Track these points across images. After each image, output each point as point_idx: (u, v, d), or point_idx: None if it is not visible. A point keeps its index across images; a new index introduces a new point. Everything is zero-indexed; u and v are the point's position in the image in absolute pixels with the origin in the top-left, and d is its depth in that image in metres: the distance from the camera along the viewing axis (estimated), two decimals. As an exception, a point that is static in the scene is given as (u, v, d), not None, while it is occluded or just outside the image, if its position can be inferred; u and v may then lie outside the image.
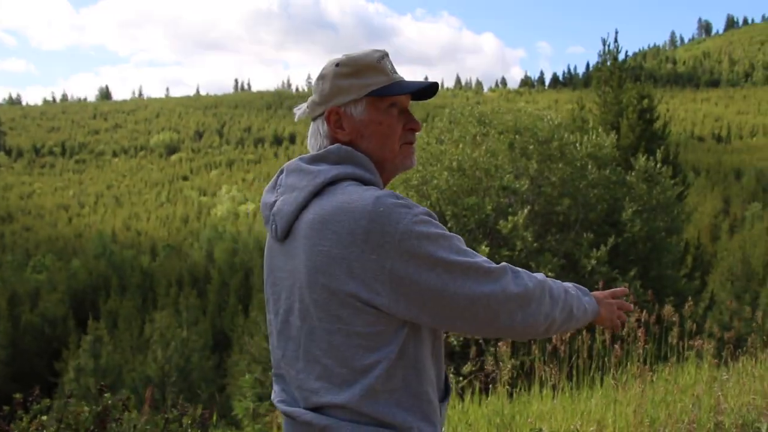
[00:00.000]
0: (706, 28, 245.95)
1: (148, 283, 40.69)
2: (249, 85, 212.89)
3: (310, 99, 1.57)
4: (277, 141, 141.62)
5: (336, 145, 1.50)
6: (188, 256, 54.77)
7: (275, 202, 1.52)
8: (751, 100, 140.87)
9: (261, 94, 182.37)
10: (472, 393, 5.21)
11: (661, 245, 10.27)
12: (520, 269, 1.48)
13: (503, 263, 1.46)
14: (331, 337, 1.40)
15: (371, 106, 1.51)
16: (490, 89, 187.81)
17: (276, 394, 1.56)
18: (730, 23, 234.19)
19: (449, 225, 9.85)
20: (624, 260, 9.80)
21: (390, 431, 1.38)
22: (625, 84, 14.75)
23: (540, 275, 1.52)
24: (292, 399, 1.50)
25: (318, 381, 1.42)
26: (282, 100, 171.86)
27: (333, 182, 1.44)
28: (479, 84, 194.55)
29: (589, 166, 10.38)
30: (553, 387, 5.09)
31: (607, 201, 10.44)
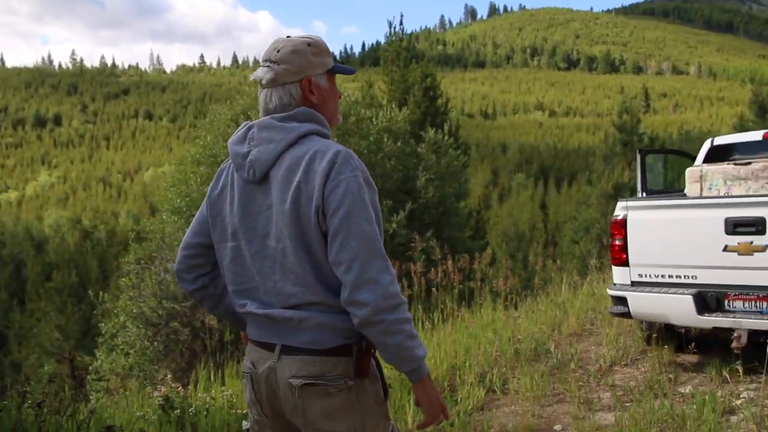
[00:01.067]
0: (472, 13, 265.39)
1: None
2: (2, 60, 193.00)
3: (281, 67, 1.89)
4: (40, 122, 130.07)
5: (301, 107, 1.89)
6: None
7: (249, 152, 1.87)
8: (512, 81, 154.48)
9: (18, 71, 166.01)
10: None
11: (451, 209, 11.46)
12: None
13: None
14: (300, 252, 1.80)
15: (329, 80, 1.96)
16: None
17: (246, 306, 1.93)
18: (493, 10, 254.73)
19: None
20: (420, 223, 10.81)
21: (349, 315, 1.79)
22: (410, 64, 15.94)
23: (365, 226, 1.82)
24: (268, 304, 1.88)
25: (294, 287, 1.83)
26: (43, 77, 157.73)
27: (304, 135, 1.85)
28: (257, 63, 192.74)
29: (385, 139, 11.24)
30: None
31: (401, 171, 11.38)
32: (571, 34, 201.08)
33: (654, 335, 5.50)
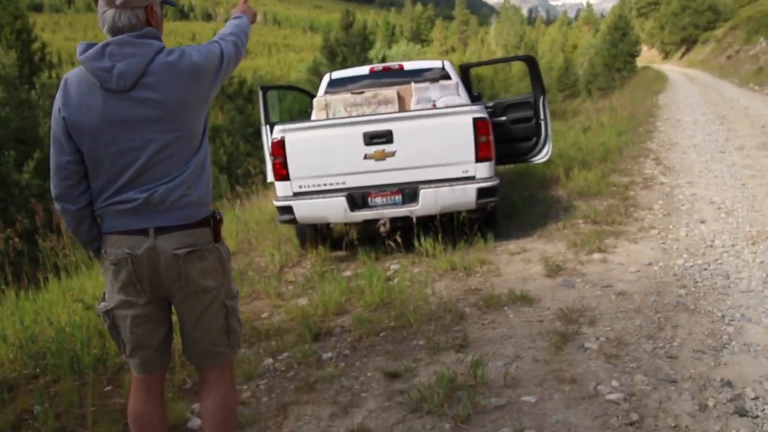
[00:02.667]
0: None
1: None
2: None
3: None
4: None
5: (149, 28, 2.26)
6: None
7: (113, 66, 2.16)
8: (77, 27, 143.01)
9: None
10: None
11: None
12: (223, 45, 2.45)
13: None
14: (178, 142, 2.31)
15: (160, 8, 2.36)
16: None
17: (123, 199, 2.26)
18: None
19: None
20: (46, 173, 10.12)
21: None
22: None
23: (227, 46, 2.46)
24: (146, 191, 2.25)
25: (172, 172, 2.33)
26: None
27: (160, 50, 2.24)
28: None
29: (-3, 85, 10.23)
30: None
31: (20, 119, 10.48)
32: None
33: (308, 240, 6.56)
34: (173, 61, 2.23)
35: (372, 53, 32.39)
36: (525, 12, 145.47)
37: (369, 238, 6.40)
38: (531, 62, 7.49)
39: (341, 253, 6.45)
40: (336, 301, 4.80)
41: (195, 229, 2.31)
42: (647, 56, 58.57)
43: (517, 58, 8.71)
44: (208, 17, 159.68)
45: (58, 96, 2.27)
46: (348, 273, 5.79)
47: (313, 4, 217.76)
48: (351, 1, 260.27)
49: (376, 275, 5.18)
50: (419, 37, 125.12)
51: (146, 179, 2.24)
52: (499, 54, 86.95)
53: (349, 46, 29.79)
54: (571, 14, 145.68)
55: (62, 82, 2.28)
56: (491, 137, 5.87)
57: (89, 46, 2.22)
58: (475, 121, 5.75)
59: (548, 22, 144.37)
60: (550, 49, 78.92)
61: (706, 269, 4.83)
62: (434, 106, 6.44)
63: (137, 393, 2.50)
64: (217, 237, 2.39)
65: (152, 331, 2.41)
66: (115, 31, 2.22)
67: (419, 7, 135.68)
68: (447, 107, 6.13)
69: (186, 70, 2.25)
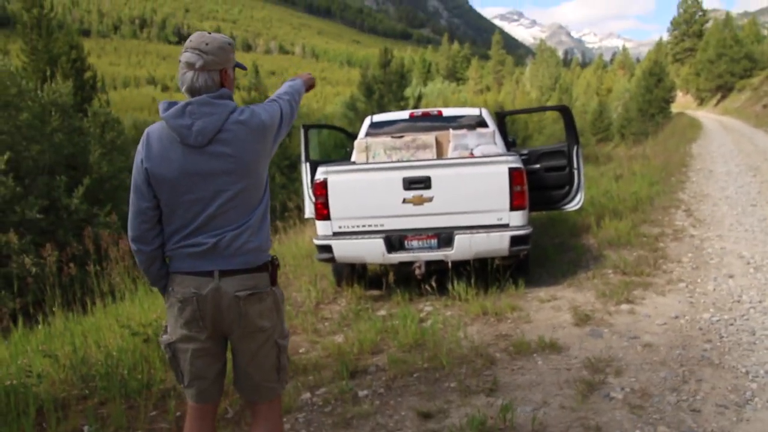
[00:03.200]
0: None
1: None
2: None
3: (210, 57, 2.50)
4: None
5: (224, 89, 2.54)
6: None
7: (192, 123, 2.44)
8: (121, 52, 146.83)
9: None
10: None
11: (125, 183, 11.42)
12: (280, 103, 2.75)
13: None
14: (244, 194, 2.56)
15: (233, 71, 2.63)
16: None
17: (193, 243, 2.51)
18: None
19: None
20: (95, 198, 10.63)
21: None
22: (54, 33, 14.94)
23: (285, 105, 2.76)
24: (214, 236, 2.51)
25: (238, 220, 2.58)
26: None
27: (233, 110, 2.52)
28: None
29: (52, 112, 10.73)
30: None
31: (70, 146, 10.98)
32: (181, 8, 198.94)
33: (345, 278, 6.81)
34: (245, 120, 2.51)
35: (408, 91, 32.87)
36: (561, 54, 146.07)
37: (403, 280, 6.61)
38: (566, 112, 7.72)
39: (375, 293, 6.66)
40: (371, 340, 5.02)
41: (255, 273, 2.56)
42: (682, 102, 58.40)
43: (552, 108, 8.96)
44: (248, 47, 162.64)
45: (141, 148, 2.54)
46: (382, 312, 5.99)
47: (352, 38, 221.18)
48: (389, 37, 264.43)
49: (410, 316, 5.39)
50: (455, 75, 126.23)
51: (215, 225, 2.50)
52: (534, 94, 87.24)
53: (386, 84, 30.31)
54: (607, 57, 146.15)
55: (144, 136, 2.56)
56: (525, 187, 6.10)
57: (171, 104, 2.51)
58: (511, 171, 5.99)
59: (583, 64, 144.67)
60: (584, 92, 79.05)
61: (732, 324, 4.95)
62: (471, 155, 6.68)
63: (192, 421, 2.72)
64: (274, 281, 2.64)
65: (210, 364, 2.64)
66: (193, 91, 2.51)
67: (456, 45, 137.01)
68: (484, 156, 6.38)
69: (255, 127, 2.53)
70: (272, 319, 2.62)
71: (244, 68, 2.79)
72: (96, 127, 11.54)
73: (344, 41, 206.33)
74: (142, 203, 2.53)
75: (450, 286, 6.12)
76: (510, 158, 6.09)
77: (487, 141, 7.23)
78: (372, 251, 6.18)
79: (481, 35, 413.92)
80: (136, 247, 2.59)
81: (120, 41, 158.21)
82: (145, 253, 2.59)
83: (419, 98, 32.86)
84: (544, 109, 9.36)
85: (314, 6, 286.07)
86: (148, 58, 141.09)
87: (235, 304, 2.51)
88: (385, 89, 29.96)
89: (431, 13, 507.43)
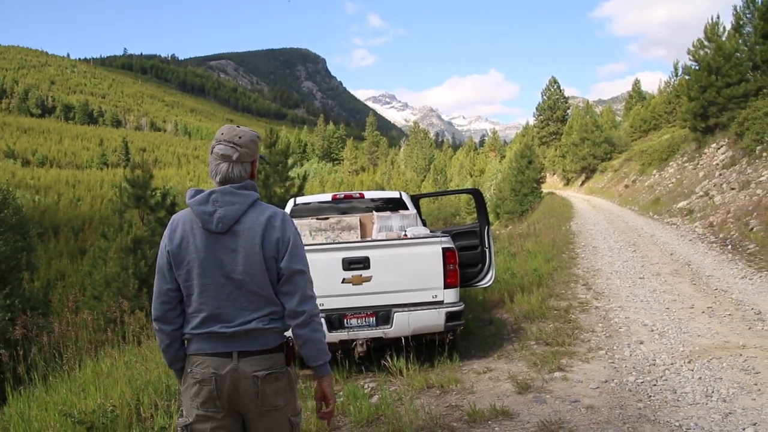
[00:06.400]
0: None
1: None
2: None
3: (243, 150, 2.73)
4: None
5: (248, 180, 2.75)
6: None
7: (215, 210, 2.62)
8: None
9: None
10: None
11: (21, 264, 10.86)
12: None
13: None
14: (262, 278, 2.65)
15: (257, 163, 2.83)
16: None
17: (212, 327, 2.63)
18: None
19: None
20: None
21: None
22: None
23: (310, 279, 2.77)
24: (233, 324, 2.62)
25: (256, 303, 2.67)
26: None
27: (255, 201, 2.70)
28: None
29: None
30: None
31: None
32: (45, 79, 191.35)
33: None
34: (265, 220, 2.67)
35: (293, 172, 33.25)
36: (432, 135, 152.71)
37: (336, 358, 6.66)
38: (477, 195, 8.32)
39: (308, 372, 6.72)
40: (327, 417, 5.12)
41: (272, 353, 2.69)
42: (549, 182, 62.49)
43: (464, 191, 9.55)
44: (118, 123, 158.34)
45: (166, 233, 2.71)
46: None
47: (225, 117, 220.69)
48: (263, 116, 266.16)
49: (359, 393, 5.56)
50: (330, 156, 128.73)
51: (233, 308, 2.64)
52: (409, 175, 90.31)
53: (272, 165, 30.57)
54: (476, 138, 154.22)
55: (171, 221, 2.73)
56: (457, 265, 6.51)
57: (197, 192, 2.71)
58: (444, 250, 6.39)
59: (455, 146, 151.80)
60: (458, 173, 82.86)
61: (655, 385, 5.51)
62: (405, 236, 7.05)
63: None
64: (288, 360, 2.77)
65: None
66: (227, 181, 2.72)
67: (331, 126, 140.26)
68: (417, 237, 6.76)
69: (269, 229, 2.68)
70: (286, 398, 2.73)
71: (266, 160, 3.04)
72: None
73: (218, 120, 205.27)
74: (164, 285, 2.68)
75: (388, 363, 6.32)
76: (443, 239, 6.51)
77: (411, 222, 7.65)
78: (312, 330, 6.30)
79: (354, 116, 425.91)
80: (157, 326, 2.70)
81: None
82: (166, 333, 2.71)
83: (305, 178, 33.31)
84: (456, 192, 9.92)
85: (187, 84, 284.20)
86: (7, 131, 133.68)
87: (253, 383, 2.62)
88: (270, 170, 30.21)
89: (305, 94, 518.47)
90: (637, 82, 77.43)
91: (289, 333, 2.79)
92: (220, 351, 2.63)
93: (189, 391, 2.67)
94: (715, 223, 16.31)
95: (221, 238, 2.64)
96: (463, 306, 6.48)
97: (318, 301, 6.20)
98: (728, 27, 29.10)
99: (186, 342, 2.76)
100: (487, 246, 8.05)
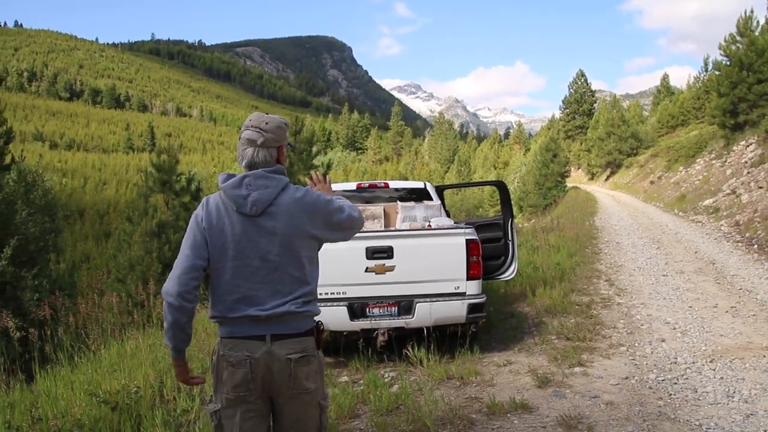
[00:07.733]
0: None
1: None
2: None
3: (269, 135, 2.77)
4: None
5: (279, 165, 2.81)
6: None
7: (249, 194, 2.67)
8: (7, 106, 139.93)
9: None
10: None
11: (49, 245, 11.05)
12: None
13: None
14: (299, 259, 2.73)
15: (285, 149, 2.87)
16: None
17: (245, 310, 2.67)
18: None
19: None
20: (20, 260, 10.23)
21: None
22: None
23: (348, 205, 2.92)
24: (267, 307, 2.67)
25: (292, 285, 2.73)
26: None
27: (286, 184, 2.76)
28: None
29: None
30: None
31: (-4, 206, 10.59)
32: (74, 63, 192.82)
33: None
34: (298, 197, 2.74)
35: (317, 159, 33.35)
36: (457, 126, 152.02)
37: (355, 347, 6.71)
38: (501, 187, 8.30)
39: (330, 360, 6.80)
40: (347, 405, 5.19)
41: (303, 337, 2.75)
42: (574, 176, 61.97)
43: (489, 183, 9.52)
44: (144, 108, 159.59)
45: (200, 211, 2.74)
46: (343, 379, 6.15)
47: (251, 104, 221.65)
48: (288, 104, 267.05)
49: (380, 382, 5.61)
50: (354, 145, 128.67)
51: (265, 292, 2.69)
52: (433, 166, 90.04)
53: (297, 152, 30.68)
54: (501, 131, 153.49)
55: (204, 201, 2.77)
56: (481, 257, 6.51)
57: (229, 176, 2.75)
58: (468, 242, 6.40)
59: (479, 138, 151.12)
60: (482, 165, 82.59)
61: (676, 383, 5.49)
62: (429, 227, 7.07)
63: None
64: (318, 344, 2.84)
65: (258, 425, 2.76)
66: (252, 165, 2.77)
67: (356, 114, 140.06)
68: (441, 228, 6.78)
69: (306, 204, 2.75)
70: (317, 381, 2.79)
71: (293, 147, 3.08)
72: (21, 186, 11.19)
73: (243, 106, 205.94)
74: (197, 261, 2.65)
75: (410, 352, 6.36)
76: (467, 230, 6.52)
77: (435, 213, 7.66)
78: (336, 318, 6.36)
79: (379, 106, 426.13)
80: (178, 303, 2.59)
81: (5, 94, 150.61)
82: (186, 310, 2.62)
83: (329, 167, 33.39)
84: (481, 184, 9.97)
85: (213, 70, 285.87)
86: (36, 113, 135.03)
87: (286, 366, 2.68)
88: (295, 158, 30.32)
89: (331, 82, 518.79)
90: (665, 77, 76.54)
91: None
92: (253, 334, 2.67)
93: (222, 374, 2.70)
94: (741, 222, 16.13)
95: (256, 221, 2.69)
96: (485, 298, 6.49)
97: (341, 290, 6.41)
98: (762, 21, 28.67)
99: (218, 325, 2.78)
100: (510, 239, 8.05)
